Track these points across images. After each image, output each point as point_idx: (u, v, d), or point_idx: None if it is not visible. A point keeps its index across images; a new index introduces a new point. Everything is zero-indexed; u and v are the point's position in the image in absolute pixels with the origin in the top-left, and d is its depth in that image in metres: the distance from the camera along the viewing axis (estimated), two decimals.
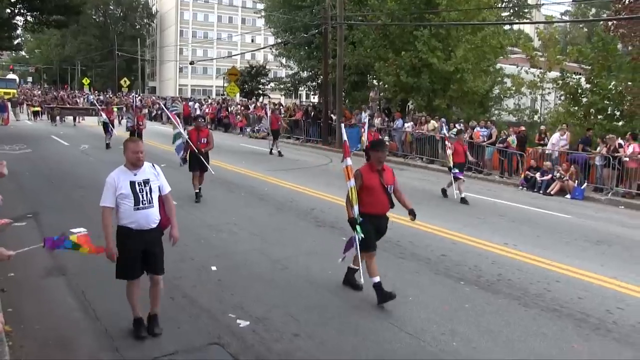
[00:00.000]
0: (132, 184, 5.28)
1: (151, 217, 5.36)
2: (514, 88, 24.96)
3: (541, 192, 15.92)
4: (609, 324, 6.25)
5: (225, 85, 41.29)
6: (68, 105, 39.94)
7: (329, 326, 5.85)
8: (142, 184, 5.33)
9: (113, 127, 22.15)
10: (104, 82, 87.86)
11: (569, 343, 5.68)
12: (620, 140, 15.97)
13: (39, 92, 61.69)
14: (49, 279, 7.05)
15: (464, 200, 13.43)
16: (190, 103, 41.04)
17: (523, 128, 19.33)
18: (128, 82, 62.06)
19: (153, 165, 5.55)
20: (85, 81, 69.86)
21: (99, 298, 6.32)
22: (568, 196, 15.43)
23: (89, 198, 12.02)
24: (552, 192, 15.68)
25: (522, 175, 17.09)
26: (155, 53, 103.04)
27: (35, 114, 38.64)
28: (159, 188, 5.50)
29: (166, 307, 6.19)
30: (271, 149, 22.46)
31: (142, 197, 5.29)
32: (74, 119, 35.85)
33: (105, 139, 21.79)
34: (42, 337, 5.37)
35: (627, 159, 15.22)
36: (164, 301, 6.33)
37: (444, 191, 14.25)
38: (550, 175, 16.10)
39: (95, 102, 32.20)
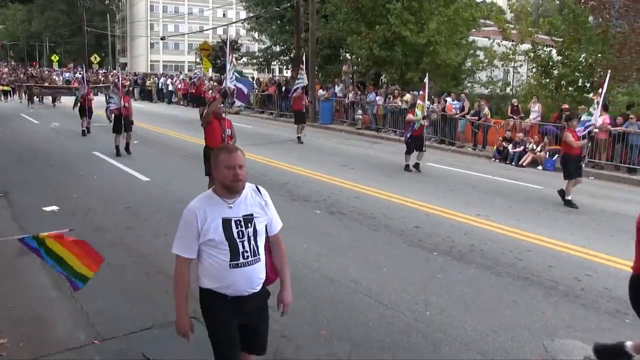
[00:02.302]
0: (227, 223, 3.25)
1: (256, 276, 3.41)
2: (486, 60, 25.07)
3: (513, 163, 16.13)
4: (577, 290, 6.41)
5: (198, 60, 40.72)
6: (47, 84, 35.45)
7: (303, 298, 5.89)
8: (243, 223, 3.30)
9: (90, 111, 19.44)
10: (74, 59, 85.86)
11: (540, 310, 5.82)
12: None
13: (7, 69, 60.12)
14: (21, 257, 6.93)
15: (570, 204, 10.88)
16: (162, 79, 40.46)
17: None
18: (98, 59, 60.83)
19: (257, 189, 3.50)
20: (54, 58, 68.24)
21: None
22: (540, 167, 15.67)
23: (61, 176, 11.94)
24: (524, 164, 15.90)
25: (495, 147, 17.28)
26: (125, 29, 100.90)
27: (5, 93, 35.54)
28: (266, 226, 3.47)
29: (141, 283, 6.20)
30: (299, 136, 18.85)
31: (244, 247, 3.28)
32: (53, 99, 32.60)
33: (82, 125, 19.17)
34: (16, 315, 5.33)
35: (597, 130, 15.44)
36: (138, 277, 6.35)
37: (562, 192, 11.21)
38: (522, 147, 16.31)
39: (84, 80, 24.34)
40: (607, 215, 10.28)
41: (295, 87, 19.51)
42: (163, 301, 5.72)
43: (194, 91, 34.46)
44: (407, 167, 13.97)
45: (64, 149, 15.76)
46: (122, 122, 14.88)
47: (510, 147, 16.62)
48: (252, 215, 3.34)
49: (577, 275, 6.90)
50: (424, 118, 14.17)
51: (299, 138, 18.65)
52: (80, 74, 43.72)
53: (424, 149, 14.19)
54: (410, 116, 14.32)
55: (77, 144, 16.65)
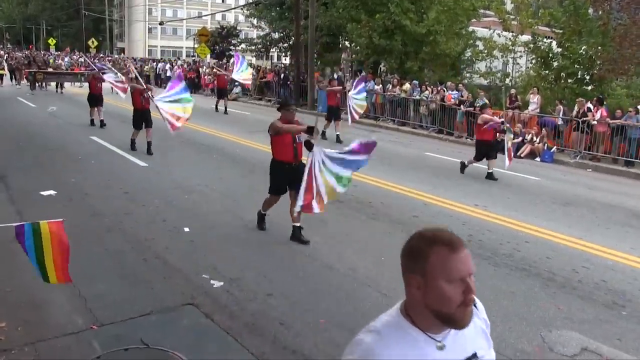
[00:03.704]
0: None
1: None
2: (486, 51, 24.96)
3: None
4: (575, 282, 6.43)
5: (196, 46, 40.51)
6: (51, 70, 32.44)
7: (302, 285, 5.91)
8: None
9: (101, 99, 17.30)
10: (71, 43, 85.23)
11: (537, 301, 5.83)
12: (589, 104, 16.19)
13: (1, 52, 59.49)
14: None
15: None
16: (160, 64, 40.27)
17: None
18: (96, 43, 60.29)
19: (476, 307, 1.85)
20: (51, 41, 67.62)
21: (72, 260, 6.17)
22: (538, 159, 15.68)
23: (58, 161, 11.88)
24: (522, 155, 15.88)
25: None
26: (123, 13, 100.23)
27: (0, 77, 33.37)
28: None
29: (139, 268, 6.19)
30: (337, 134, 16.57)
31: None
32: (58, 86, 30.25)
33: (91, 114, 17.06)
34: (13, 300, 5.31)
35: (596, 122, 15.46)
36: (136, 262, 6.33)
37: None
38: (520, 138, 16.30)
39: (104, 66, 19.73)
40: (604, 208, 10.28)
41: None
42: (161, 287, 5.73)
43: (193, 76, 34.27)
44: (463, 167, 12.53)
45: (61, 133, 15.68)
46: (142, 117, 13.02)
47: None
48: (475, 356, 1.82)
49: (575, 267, 6.92)
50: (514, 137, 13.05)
51: (337, 136, 16.37)
52: (92, 58, 42.30)
53: (495, 155, 12.46)
54: (485, 116, 12.30)
55: (75, 129, 16.53)
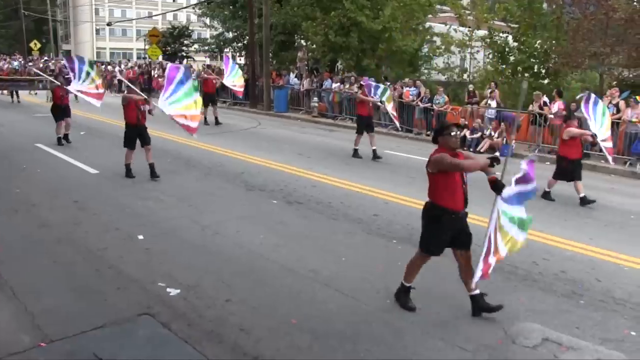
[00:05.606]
0: None
1: None
2: (443, 47, 25.16)
3: (471, 149, 16.24)
4: (535, 274, 6.49)
5: (147, 47, 39.71)
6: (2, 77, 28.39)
7: (261, 290, 5.76)
8: None
9: (68, 110, 14.83)
10: (10, 45, 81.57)
11: (500, 295, 5.82)
12: (545, 98, 16.44)
13: None
14: None
15: None
16: (109, 67, 39.40)
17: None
18: (39, 45, 58.07)
19: None
20: None
21: (16, 274, 5.94)
22: (497, 153, 15.83)
23: (0, 170, 11.32)
24: (482, 150, 16.02)
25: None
26: (68, 13, 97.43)
27: None
28: None
29: (91, 279, 5.94)
30: (374, 149, 13.89)
31: None
32: (13, 94, 26.89)
33: (57, 131, 14.40)
34: None
35: (552, 115, 15.69)
36: (88, 274, 6.06)
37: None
38: (480, 133, 16.44)
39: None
40: (561, 200, 10.39)
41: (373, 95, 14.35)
42: (115, 298, 5.50)
43: (143, 79, 33.48)
44: (547, 195, 10.53)
45: (3, 141, 14.84)
46: (137, 134, 10.90)
47: (467, 133, 16.72)
48: None
49: (535, 259, 6.95)
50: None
51: (374, 152, 13.84)
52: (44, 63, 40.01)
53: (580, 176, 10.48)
54: (573, 130, 10.47)
55: (18, 137, 15.70)
